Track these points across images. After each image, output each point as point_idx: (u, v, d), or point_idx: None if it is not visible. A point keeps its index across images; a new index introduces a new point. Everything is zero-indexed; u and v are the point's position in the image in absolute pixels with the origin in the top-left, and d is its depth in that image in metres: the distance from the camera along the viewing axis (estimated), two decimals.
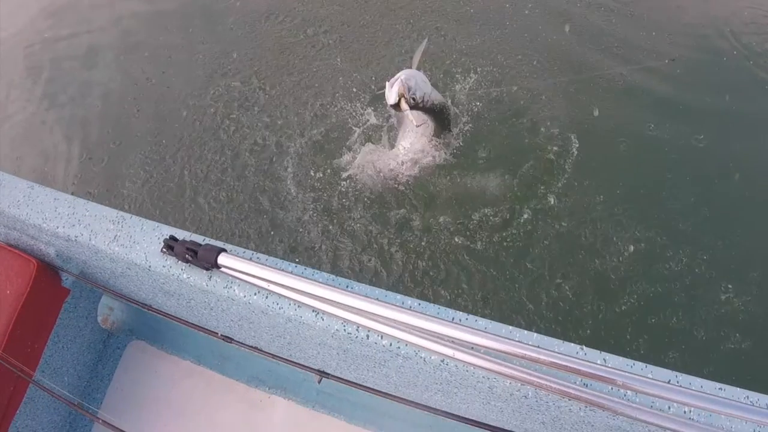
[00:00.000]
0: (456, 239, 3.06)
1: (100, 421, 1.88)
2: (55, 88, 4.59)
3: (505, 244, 3.01)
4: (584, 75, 3.68)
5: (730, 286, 2.79)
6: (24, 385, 2.11)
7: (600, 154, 3.32)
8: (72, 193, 3.49)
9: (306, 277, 1.48)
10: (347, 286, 1.51)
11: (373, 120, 3.57)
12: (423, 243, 3.07)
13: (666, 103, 3.54)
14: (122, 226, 1.88)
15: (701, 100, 3.54)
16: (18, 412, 2.08)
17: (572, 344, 1.47)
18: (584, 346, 1.49)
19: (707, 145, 3.31)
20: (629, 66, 3.71)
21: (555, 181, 3.20)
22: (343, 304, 1.42)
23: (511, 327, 1.48)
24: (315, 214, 3.29)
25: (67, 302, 2.28)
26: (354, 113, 3.68)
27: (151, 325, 2.51)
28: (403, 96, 2.45)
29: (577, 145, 3.31)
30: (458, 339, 1.36)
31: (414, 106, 2.56)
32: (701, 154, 3.29)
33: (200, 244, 1.62)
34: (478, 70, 3.74)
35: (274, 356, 1.59)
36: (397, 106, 2.48)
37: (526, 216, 3.09)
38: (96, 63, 4.68)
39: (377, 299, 1.41)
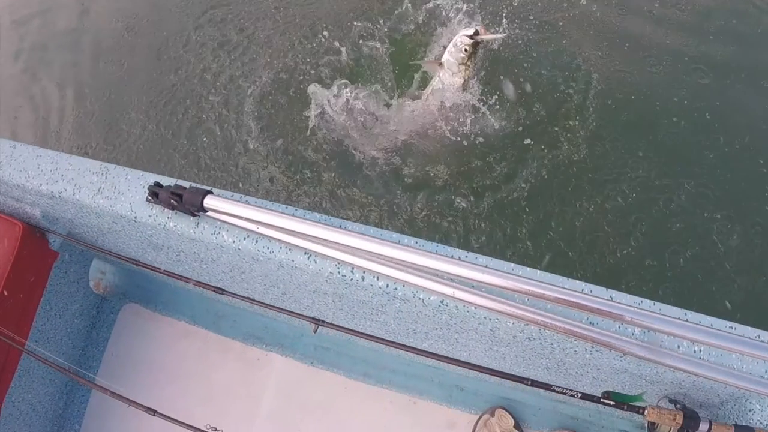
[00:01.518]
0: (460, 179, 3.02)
1: (98, 387, 1.83)
2: (44, 39, 4.48)
3: (504, 188, 2.97)
4: (586, 17, 3.56)
5: (729, 225, 2.79)
6: (16, 356, 2.04)
7: (608, 97, 3.24)
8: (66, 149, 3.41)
9: (297, 217, 1.41)
10: (340, 226, 1.44)
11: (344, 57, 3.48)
12: (424, 188, 3.03)
13: (675, 50, 3.43)
14: (106, 178, 1.80)
15: (709, 47, 3.44)
16: (11, 385, 2.03)
17: (577, 281, 1.40)
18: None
19: (715, 92, 3.23)
20: (636, 14, 3.60)
21: (563, 121, 3.15)
22: (337, 243, 1.36)
23: (513, 264, 1.41)
24: (311, 160, 3.23)
25: (58, 267, 2.21)
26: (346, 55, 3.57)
27: (144, 287, 2.46)
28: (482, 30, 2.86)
29: (585, 88, 3.25)
30: (458, 276, 1.30)
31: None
32: (710, 101, 3.21)
33: (185, 188, 1.55)
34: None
35: (266, 305, 1.52)
36: (477, 33, 2.84)
37: (530, 155, 3.05)
38: (86, 11, 4.56)
39: (372, 236, 1.35)
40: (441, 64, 2.98)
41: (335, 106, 3.19)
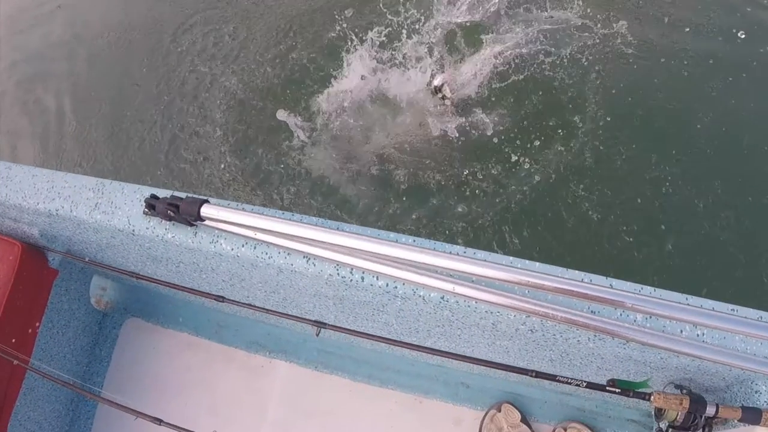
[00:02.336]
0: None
1: (104, 400, 1.82)
2: (40, 52, 4.53)
3: (501, 186, 2.99)
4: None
5: (724, 209, 2.83)
6: (20, 374, 2.04)
7: (605, 90, 3.30)
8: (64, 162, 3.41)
9: (294, 221, 1.41)
10: (338, 227, 1.44)
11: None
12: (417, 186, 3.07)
13: (667, 44, 3.46)
14: (102, 193, 1.81)
15: (699, 41, 3.46)
16: (17, 403, 2.02)
17: (577, 271, 1.41)
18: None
19: (708, 84, 3.26)
20: (628, 11, 3.63)
21: (559, 116, 3.20)
22: (335, 245, 1.36)
23: (512, 257, 1.41)
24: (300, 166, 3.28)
25: (58, 285, 2.21)
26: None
27: (145, 301, 2.46)
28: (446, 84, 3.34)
29: (581, 82, 3.30)
30: (458, 271, 1.30)
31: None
32: (702, 92, 3.24)
33: (182, 198, 1.55)
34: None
35: (268, 311, 1.52)
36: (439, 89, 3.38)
37: (525, 153, 3.08)
38: (81, 23, 4.59)
39: (370, 236, 1.35)
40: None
41: (318, 126, 3.27)
